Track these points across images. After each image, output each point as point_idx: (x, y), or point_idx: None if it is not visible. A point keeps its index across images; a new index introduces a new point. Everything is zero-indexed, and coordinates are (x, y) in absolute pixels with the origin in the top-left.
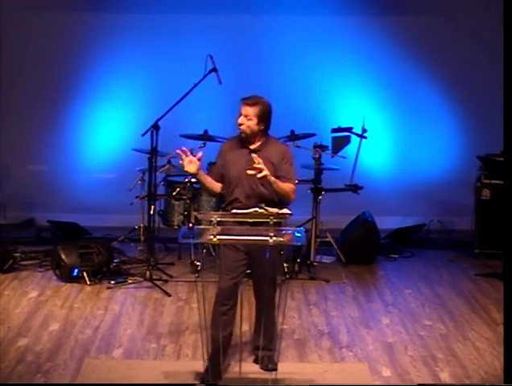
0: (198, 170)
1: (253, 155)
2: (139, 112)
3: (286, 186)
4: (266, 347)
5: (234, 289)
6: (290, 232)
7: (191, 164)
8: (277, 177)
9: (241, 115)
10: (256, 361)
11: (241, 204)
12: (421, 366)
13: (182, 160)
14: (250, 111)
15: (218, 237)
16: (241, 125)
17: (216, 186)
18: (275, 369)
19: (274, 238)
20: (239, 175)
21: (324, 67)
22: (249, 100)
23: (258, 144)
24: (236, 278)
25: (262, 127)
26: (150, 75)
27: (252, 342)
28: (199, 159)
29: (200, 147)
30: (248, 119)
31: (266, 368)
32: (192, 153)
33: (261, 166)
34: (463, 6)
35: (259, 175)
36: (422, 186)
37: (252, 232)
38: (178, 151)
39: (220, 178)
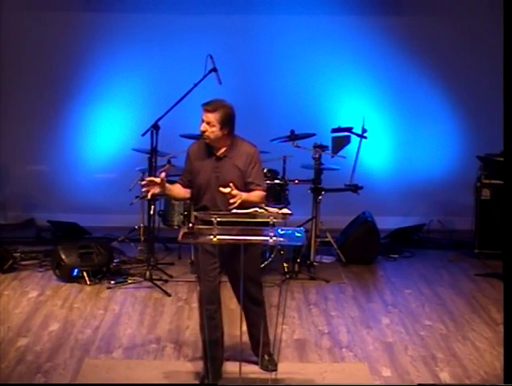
0: (163, 187)
1: (223, 190)
2: (139, 112)
3: (256, 197)
4: (262, 347)
5: (216, 291)
6: (290, 231)
7: (154, 188)
8: (246, 183)
9: (203, 121)
10: (255, 362)
11: (213, 210)
12: (421, 366)
13: (146, 188)
14: (212, 117)
15: (218, 237)
16: (204, 132)
17: (184, 193)
18: (275, 370)
19: (274, 238)
20: (207, 183)
21: (324, 67)
22: (209, 106)
23: (224, 149)
24: (215, 281)
25: (226, 132)
26: (150, 75)
27: (249, 343)
28: (163, 179)
29: None
30: (211, 125)
31: (266, 369)
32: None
33: (234, 199)
34: (463, 6)
35: (231, 207)
36: (422, 186)
37: (233, 231)
38: (144, 184)
39: (188, 184)
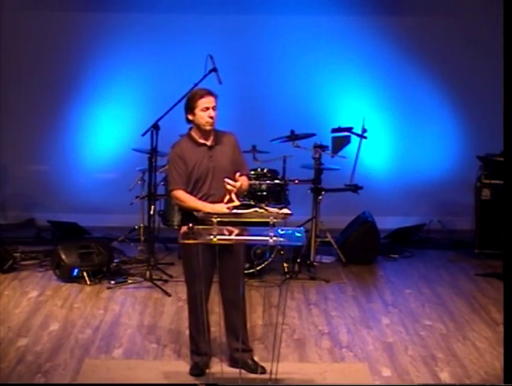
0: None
1: (229, 186)
2: (139, 112)
3: (246, 183)
4: (246, 349)
5: (209, 292)
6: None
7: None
8: (235, 171)
9: (207, 109)
10: (232, 365)
11: (209, 199)
12: (421, 366)
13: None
14: (215, 101)
15: (218, 237)
16: (212, 118)
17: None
18: (265, 372)
19: (274, 238)
20: (205, 174)
21: (324, 67)
22: (211, 91)
23: (212, 138)
24: (210, 280)
25: None
26: (150, 75)
27: (228, 345)
28: None
29: None
30: (214, 110)
31: (261, 372)
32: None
33: (232, 187)
34: (463, 6)
35: (230, 194)
36: (422, 186)
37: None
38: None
39: (186, 185)
